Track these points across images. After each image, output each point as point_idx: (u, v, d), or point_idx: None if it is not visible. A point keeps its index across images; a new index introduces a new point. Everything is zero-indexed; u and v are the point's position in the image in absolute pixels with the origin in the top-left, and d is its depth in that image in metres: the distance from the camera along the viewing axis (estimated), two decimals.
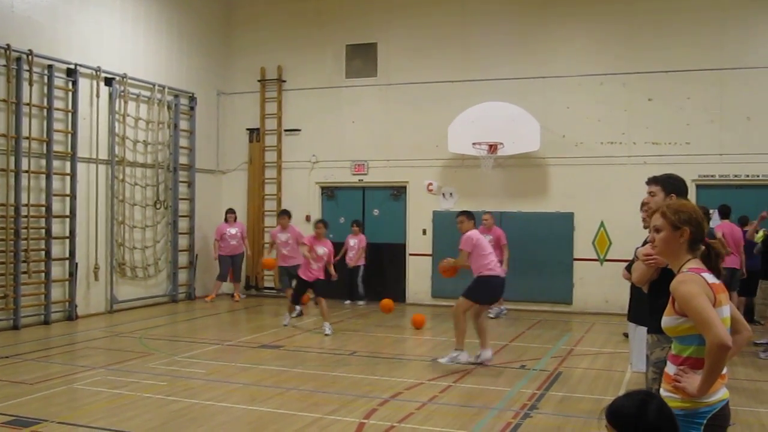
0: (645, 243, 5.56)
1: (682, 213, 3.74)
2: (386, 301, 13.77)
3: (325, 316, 12.54)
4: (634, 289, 6.55)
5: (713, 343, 3.44)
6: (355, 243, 16.13)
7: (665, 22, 14.84)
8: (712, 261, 3.72)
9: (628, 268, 6.28)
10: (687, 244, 3.73)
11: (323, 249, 12.82)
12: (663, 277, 4.91)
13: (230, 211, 16.75)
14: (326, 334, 12.26)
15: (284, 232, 14.33)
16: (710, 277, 3.62)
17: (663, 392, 3.68)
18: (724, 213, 13.11)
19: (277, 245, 14.42)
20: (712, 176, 14.38)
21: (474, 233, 10.12)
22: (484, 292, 10.04)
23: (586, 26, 15.45)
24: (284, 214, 14.54)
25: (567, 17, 15.52)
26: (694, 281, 3.56)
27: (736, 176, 14.37)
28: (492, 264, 10.09)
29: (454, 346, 9.89)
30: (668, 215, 3.76)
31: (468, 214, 10.38)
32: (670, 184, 5.38)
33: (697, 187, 14.10)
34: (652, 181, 5.52)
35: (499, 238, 14.18)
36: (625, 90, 15.01)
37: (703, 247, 3.74)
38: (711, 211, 12.46)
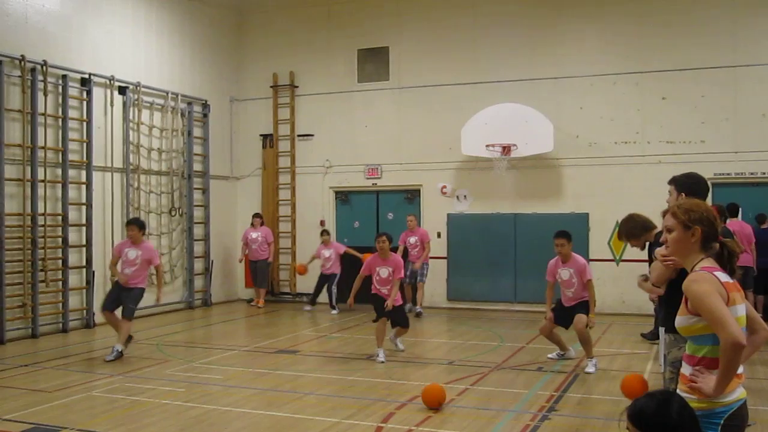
0: (656, 246, 5.55)
1: (692, 212, 3.71)
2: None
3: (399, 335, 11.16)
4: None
5: (727, 342, 3.41)
6: (330, 253, 15.69)
7: (677, 20, 14.76)
8: (725, 260, 3.69)
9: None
10: (699, 244, 3.69)
11: (386, 270, 10.60)
12: (681, 277, 4.89)
13: (256, 215, 16.73)
14: (400, 350, 11.03)
15: (133, 247, 10.84)
16: (723, 276, 3.58)
17: (680, 392, 3.66)
18: (733, 211, 13.00)
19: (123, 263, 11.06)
20: (727, 174, 14.28)
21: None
22: None
23: (597, 26, 15.40)
24: (132, 224, 11.10)
25: (578, 18, 15.48)
26: (706, 280, 3.54)
27: (752, 174, 14.27)
28: None
29: (588, 355, 9.80)
30: (678, 215, 3.74)
31: (570, 236, 9.94)
32: (682, 183, 5.35)
33: (713, 185, 13.96)
34: (670, 180, 5.51)
35: (423, 236, 15.26)
36: (638, 89, 14.94)
37: (717, 246, 3.71)
38: None
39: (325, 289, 15.80)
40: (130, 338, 10.90)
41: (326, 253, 15.66)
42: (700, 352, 3.60)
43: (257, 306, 16.55)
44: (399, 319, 10.86)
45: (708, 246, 3.70)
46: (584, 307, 9.75)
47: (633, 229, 6.72)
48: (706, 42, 14.51)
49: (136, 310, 10.99)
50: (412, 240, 15.22)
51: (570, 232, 9.98)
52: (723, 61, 14.39)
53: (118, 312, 10.89)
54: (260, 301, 16.70)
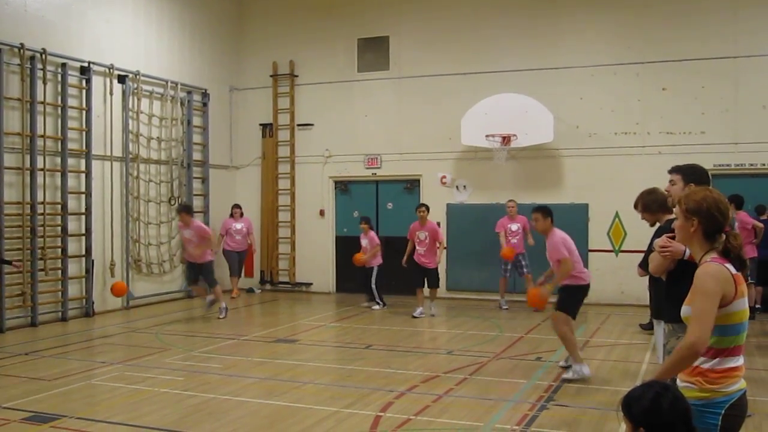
0: (659, 234, 5.55)
1: (691, 203, 3.72)
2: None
3: (433, 298, 13.87)
4: (655, 285, 6.51)
5: (691, 342, 3.46)
6: (366, 243, 14.65)
7: (678, 10, 14.72)
8: (730, 252, 3.67)
9: (642, 265, 6.25)
10: (701, 235, 3.69)
11: (425, 233, 13.50)
12: (680, 268, 4.90)
13: (236, 206, 16.55)
14: (432, 315, 13.54)
15: (187, 228, 13.24)
16: (734, 268, 3.58)
17: (679, 382, 3.67)
18: (738, 203, 13.00)
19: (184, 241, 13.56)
20: (727, 166, 14.27)
21: (563, 233, 8.98)
22: (577, 303, 8.95)
23: (598, 16, 15.35)
24: (183, 210, 13.42)
25: (579, 7, 15.43)
26: (717, 276, 3.52)
27: (751, 165, 14.26)
28: (582, 268, 9.02)
29: (573, 361, 8.72)
30: (682, 204, 3.77)
31: (545, 211, 9.13)
32: (691, 174, 5.33)
33: (713, 176, 13.88)
34: (674, 170, 5.48)
35: (525, 225, 14.14)
36: (639, 80, 14.91)
37: (723, 238, 3.69)
38: None
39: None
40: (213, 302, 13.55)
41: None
42: None
43: (233, 297, 16.18)
44: (433, 280, 13.80)
45: (711, 238, 3.69)
46: (563, 293, 8.87)
47: (651, 203, 6.34)
48: (707, 33, 14.47)
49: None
50: (514, 227, 14.26)
51: (549, 209, 9.18)
52: (723, 52, 14.35)
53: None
54: (237, 291, 16.46)
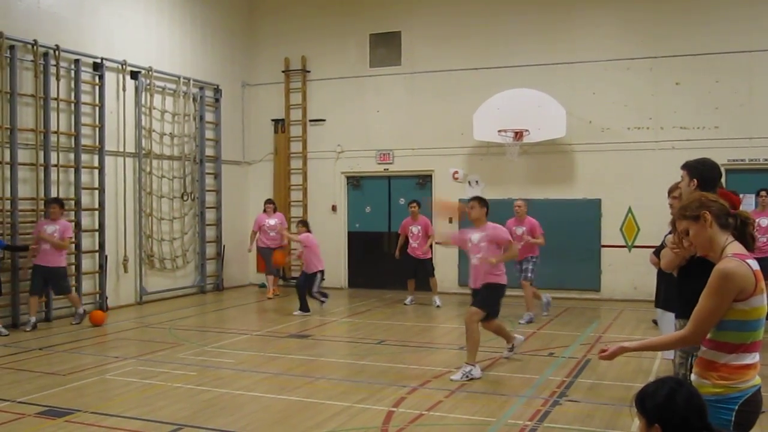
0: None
1: (691, 203, 3.73)
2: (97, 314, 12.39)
3: (435, 291, 14.43)
4: (665, 276, 6.49)
5: (683, 336, 3.63)
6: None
7: (691, 5, 14.62)
8: (740, 230, 3.67)
9: (656, 253, 6.23)
10: (716, 225, 3.67)
11: (417, 227, 14.27)
12: (692, 263, 4.87)
13: (269, 201, 16.08)
14: (437, 306, 14.14)
15: (52, 224, 11.87)
16: (755, 264, 3.55)
17: (694, 377, 3.65)
18: None
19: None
20: (741, 161, 14.18)
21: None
22: (497, 301, 8.94)
23: (611, 11, 15.27)
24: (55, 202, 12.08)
25: (591, 2, 15.35)
26: (734, 273, 3.47)
27: (766, 160, 14.15)
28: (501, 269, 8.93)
29: (466, 359, 8.60)
30: (684, 214, 3.75)
31: (482, 200, 9.21)
32: (695, 170, 5.29)
33: (727, 171, 13.83)
34: (683, 165, 5.46)
35: (533, 228, 12.54)
36: (652, 74, 14.83)
37: (732, 221, 3.69)
38: (742, 196, 12.29)
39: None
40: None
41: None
42: (723, 337, 3.56)
43: (269, 297, 15.83)
44: (428, 270, 14.48)
45: (726, 223, 3.68)
46: (485, 290, 8.83)
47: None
48: (721, 27, 14.36)
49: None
50: (519, 231, 12.33)
51: (486, 201, 9.30)
52: (737, 47, 14.25)
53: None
54: (274, 289, 15.93)
